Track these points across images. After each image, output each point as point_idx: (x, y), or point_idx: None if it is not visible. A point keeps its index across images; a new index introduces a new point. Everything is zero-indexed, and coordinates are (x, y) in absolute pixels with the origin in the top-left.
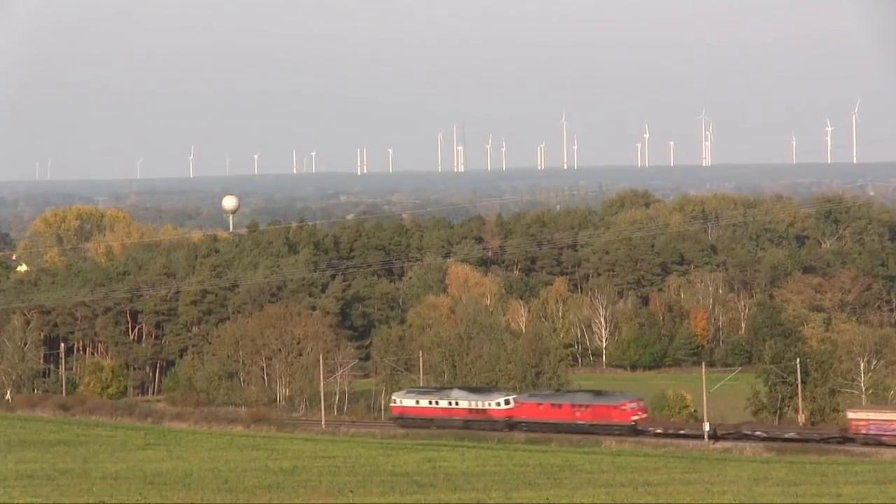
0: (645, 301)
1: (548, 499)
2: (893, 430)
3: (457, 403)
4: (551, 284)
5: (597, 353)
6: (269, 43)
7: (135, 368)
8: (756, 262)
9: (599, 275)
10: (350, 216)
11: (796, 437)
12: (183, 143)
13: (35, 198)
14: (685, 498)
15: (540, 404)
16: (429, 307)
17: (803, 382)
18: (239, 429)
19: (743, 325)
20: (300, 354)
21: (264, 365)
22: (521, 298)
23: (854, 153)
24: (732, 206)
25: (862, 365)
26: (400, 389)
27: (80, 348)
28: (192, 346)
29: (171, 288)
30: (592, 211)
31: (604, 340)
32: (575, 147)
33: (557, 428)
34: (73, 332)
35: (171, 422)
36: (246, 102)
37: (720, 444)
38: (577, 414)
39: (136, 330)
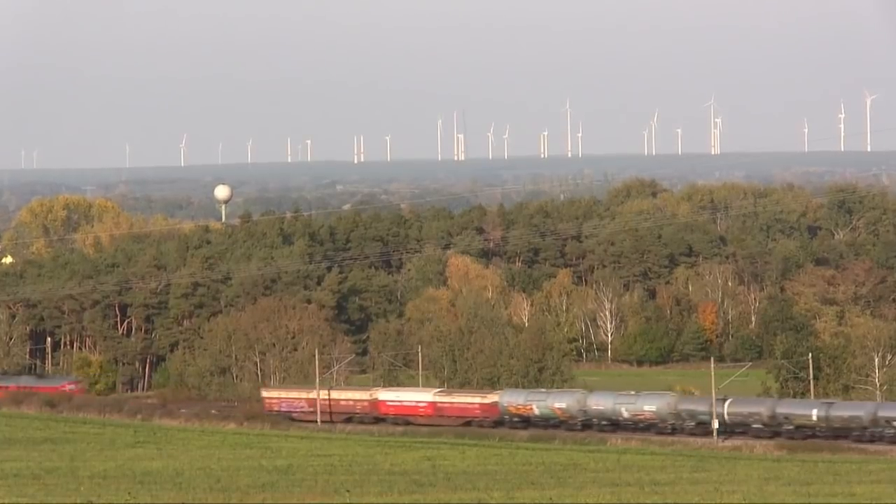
0: (652, 294)
1: (551, 498)
2: (301, 407)
3: None
4: (555, 277)
5: (602, 348)
6: (263, 27)
7: (124, 364)
8: (767, 254)
9: (605, 267)
10: (347, 206)
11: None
12: (174, 130)
13: (21, 187)
14: (693, 497)
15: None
16: (428, 300)
17: (816, 378)
18: (232, 426)
19: (753, 318)
20: (295, 349)
21: (258, 360)
22: (523, 291)
23: (868, 141)
24: (742, 196)
25: (876, 360)
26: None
27: (68, 343)
28: (184, 341)
29: (161, 280)
30: (597, 201)
31: (609, 335)
32: (579, 134)
33: None
34: (59, 326)
35: (162, 419)
36: (239, 88)
37: (730, 442)
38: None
39: (126, 324)
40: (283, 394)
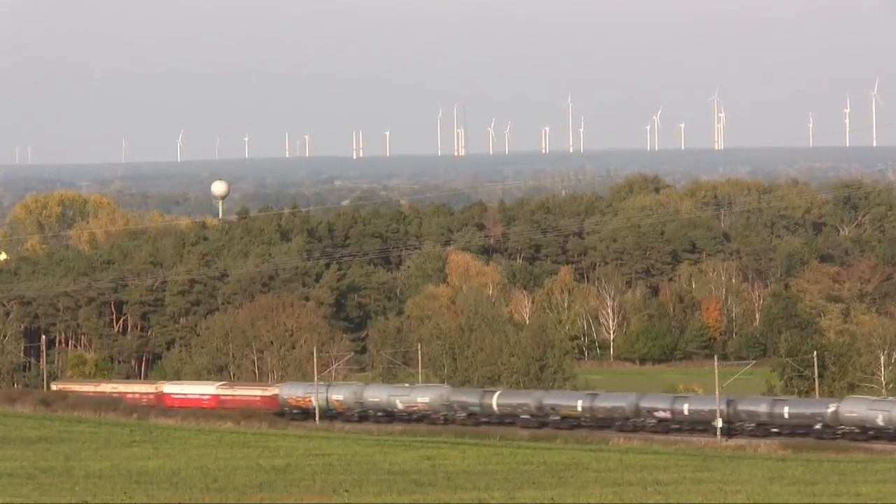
0: (654, 291)
1: (552, 498)
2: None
3: None
4: (556, 274)
5: (604, 346)
6: (260, 20)
7: (119, 362)
8: (771, 251)
9: (607, 263)
10: (345, 202)
11: None
12: (170, 125)
13: (15, 183)
14: (697, 497)
15: None
16: (428, 297)
17: (820, 377)
18: (229, 425)
19: (757, 316)
20: (293, 347)
21: (255, 358)
22: (524, 288)
23: (874, 136)
24: (746, 192)
25: (882, 358)
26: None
27: (63, 341)
28: (180, 339)
29: (157, 277)
30: (599, 196)
31: (611, 332)
32: (581, 129)
33: None
34: (54, 324)
35: (158, 418)
36: (236, 83)
37: (733, 442)
38: None
39: (121, 321)
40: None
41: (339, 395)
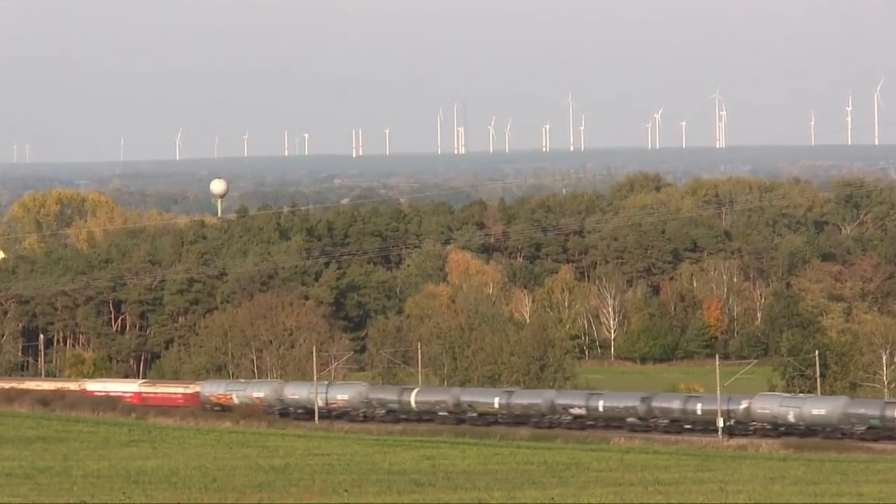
0: (655, 290)
1: (553, 498)
2: None
3: None
4: (557, 272)
5: (605, 345)
6: (259, 18)
7: (118, 361)
8: (772, 249)
9: (608, 262)
10: (345, 201)
11: None
12: (169, 123)
13: (13, 181)
14: (698, 497)
15: None
16: (428, 296)
17: (822, 376)
18: (228, 425)
19: (759, 315)
20: (292, 346)
21: (254, 357)
22: (524, 287)
23: (876, 134)
24: (748, 190)
25: (884, 357)
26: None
27: (61, 340)
28: (179, 338)
29: (156, 276)
30: (600, 195)
31: (612, 331)
32: (582, 128)
33: None
34: (52, 323)
35: (156, 417)
36: (235, 81)
37: (735, 441)
38: None
39: (120, 320)
40: None
41: (259, 393)
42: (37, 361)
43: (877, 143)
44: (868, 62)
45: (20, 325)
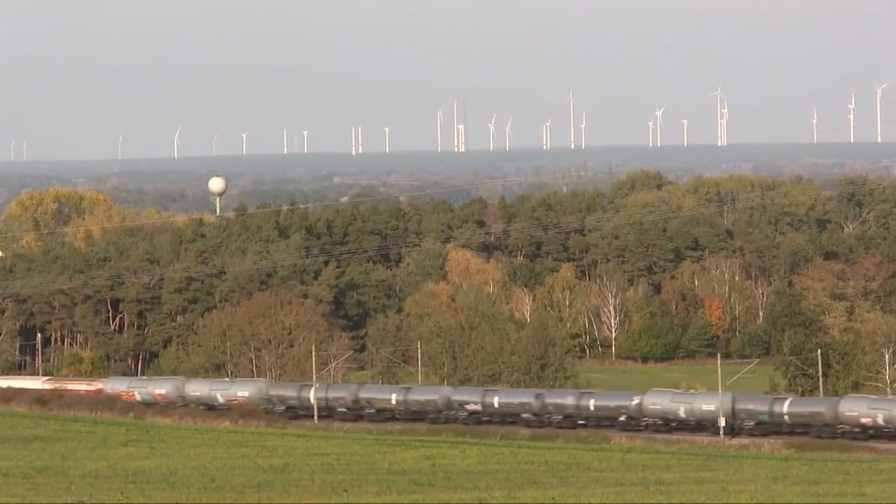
0: (657, 289)
1: (553, 498)
2: None
3: None
4: (557, 271)
5: (606, 344)
6: (258, 14)
7: (116, 360)
8: (774, 248)
9: (608, 261)
10: (344, 199)
11: None
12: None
13: (10, 179)
14: (699, 497)
15: None
16: (427, 295)
17: (825, 375)
18: (226, 424)
19: (761, 314)
20: (291, 345)
21: (253, 356)
22: (525, 286)
23: (878, 132)
24: (749, 188)
25: (887, 356)
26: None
27: (58, 339)
28: (177, 337)
29: (154, 275)
30: (601, 193)
31: (613, 330)
32: (583, 125)
33: None
34: (50, 322)
35: (155, 417)
36: (234, 78)
37: (737, 441)
38: None
39: (118, 319)
40: None
41: (161, 390)
42: (34, 361)
43: (879, 140)
44: (871, 59)
45: (17, 324)
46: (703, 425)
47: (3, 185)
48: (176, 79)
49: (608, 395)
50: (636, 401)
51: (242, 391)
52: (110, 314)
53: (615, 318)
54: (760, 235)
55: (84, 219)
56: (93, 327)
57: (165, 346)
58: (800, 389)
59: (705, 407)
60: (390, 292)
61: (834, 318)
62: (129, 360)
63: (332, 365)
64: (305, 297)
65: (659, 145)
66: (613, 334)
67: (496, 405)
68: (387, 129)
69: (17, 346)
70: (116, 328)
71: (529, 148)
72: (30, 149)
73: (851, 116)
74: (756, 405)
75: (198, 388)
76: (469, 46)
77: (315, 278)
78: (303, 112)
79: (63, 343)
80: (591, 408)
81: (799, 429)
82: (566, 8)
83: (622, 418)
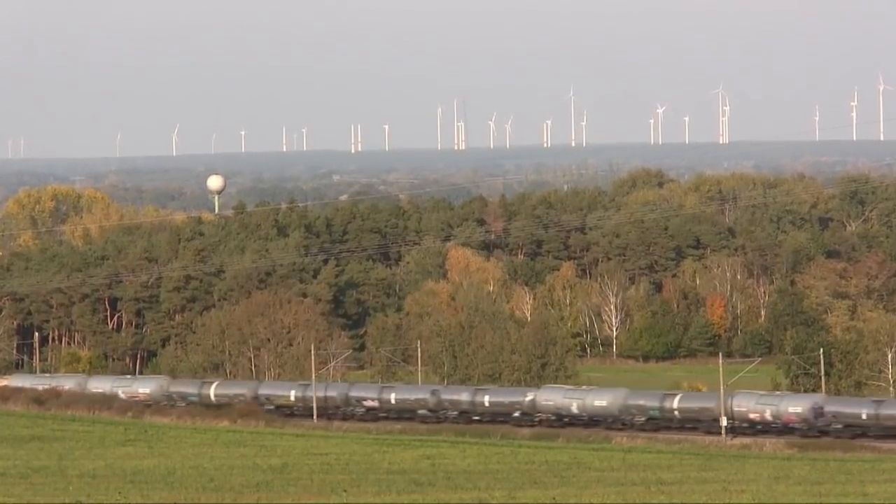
0: (658, 287)
1: (554, 498)
2: None
3: None
4: (558, 270)
5: (607, 343)
6: (257, 11)
7: (114, 359)
8: (777, 246)
9: (610, 259)
10: (343, 197)
11: None
12: (165, 118)
13: (7, 177)
14: (701, 497)
15: None
16: (427, 294)
17: (827, 374)
18: (225, 424)
19: (762, 312)
20: (290, 344)
21: (252, 355)
22: (525, 285)
23: (881, 129)
24: (751, 186)
25: (889, 356)
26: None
27: (56, 338)
28: (176, 336)
29: (152, 273)
30: (602, 191)
31: (614, 329)
32: (583, 123)
33: None
34: (47, 321)
35: (153, 416)
36: (233, 75)
37: (738, 440)
38: None
39: (116, 318)
40: None
41: (67, 384)
42: (32, 360)
43: (882, 138)
44: (873, 57)
45: (15, 323)
46: (595, 421)
47: (1, 183)
48: (174, 76)
49: (502, 392)
50: (530, 397)
51: (144, 388)
52: (108, 313)
53: (616, 317)
54: (762, 234)
55: (82, 217)
56: (90, 326)
57: (164, 345)
58: (802, 389)
59: (597, 403)
60: (390, 291)
61: (836, 317)
62: (127, 360)
63: (332, 364)
64: (304, 295)
65: (660, 143)
66: (614, 333)
67: (393, 401)
68: (386, 127)
69: (15, 345)
70: (114, 327)
71: (530, 145)
72: (27, 146)
73: (854, 114)
74: (647, 401)
75: (100, 385)
76: (469, 44)
77: (314, 277)
78: (302, 110)
79: (61, 342)
80: (486, 404)
81: (689, 424)
82: (567, 5)
83: (516, 414)
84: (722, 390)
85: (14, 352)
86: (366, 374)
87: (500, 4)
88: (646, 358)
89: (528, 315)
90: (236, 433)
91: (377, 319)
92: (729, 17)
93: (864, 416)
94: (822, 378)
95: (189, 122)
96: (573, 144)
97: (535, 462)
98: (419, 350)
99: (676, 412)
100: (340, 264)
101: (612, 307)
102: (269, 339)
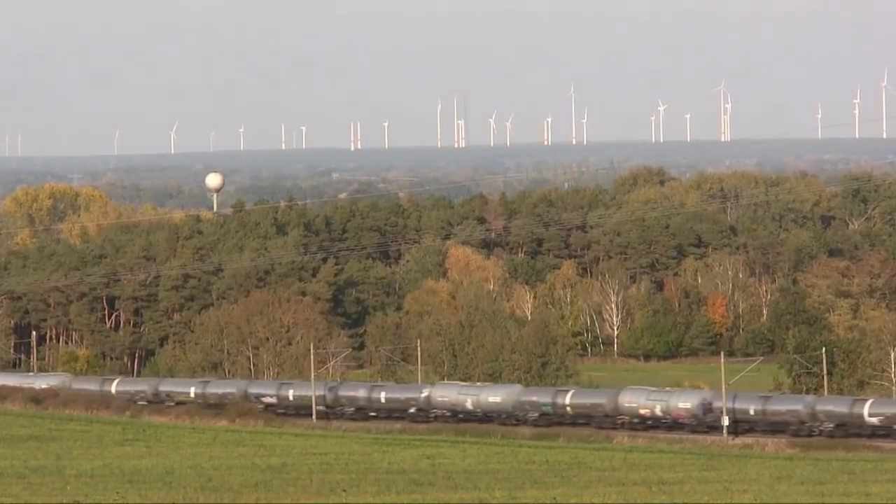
0: (659, 286)
1: (555, 498)
2: None
3: None
4: (559, 268)
5: (608, 342)
6: (255, 8)
7: (112, 358)
8: (779, 245)
9: (611, 258)
10: (343, 195)
11: None
12: (164, 116)
13: (4, 175)
14: (702, 497)
15: None
16: (427, 293)
17: (829, 374)
18: (224, 423)
19: (764, 311)
20: (289, 343)
21: (251, 355)
22: (526, 283)
23: (884, 127)
24: (753, 185)
25: (892, 354)
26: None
27: (54, 336)
28: (174, 335)
29: (150, 272)
30: (603, 189)
31: (615, 328)
32: (584, 121)
33: None
34: (45, 320)
35: (151, 416)
36: (231, 73)
37: (740, 440)
38: None
39: (114, 317)
40: None
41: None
42: (29, 358)
43: (884, 136)
44: (876, 54)
45: (12, 322)
46: (489, 417)
47: None
48: (173, 74)
49: (398, 388)
50: (425, 393)
51: (44, 384)
52: (106, 312)
53: (617, 316)
54: (764, 232)
55: (79, 215)
56: (88, 325)
57: (162, 344)
58: (804, 388)
59: (492, 399)
60: (390, 289)
61: (839, 316)
62: (125, 359)
63: (331, 363)
64: (304, 294)
65: (661, 141)
66: (615, 332)
67: (291, 398)
68: (386, 125)
69: (12, 344)
70: (112, 326)
71: (530, 143)
72: (25, 144)
73: (856, 112)
74: (539, 397)
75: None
76: (469, 42)
77: (313, 275)
78: (301, 107)
79: (58, 341)
80: (382, 400)
81: (581, 420)
82: (567, 4)
83: (412, 410)
84: (724, 390)
85: (11, 351)
86: (365, 374)
87: (500, 3)
88: (647, 357)
89: (529, 314)
90: (235, 433)
91: (377, 318)
92: (730, 14)
93: (751, 412)
94: (825, 377)
95: (187, 119)
96: (574, 142)
97: (536, 462)
98: (419, 349)
99: (569, 408)
100: (340, 263)
101: (613, 306)
102: (267, 339)
